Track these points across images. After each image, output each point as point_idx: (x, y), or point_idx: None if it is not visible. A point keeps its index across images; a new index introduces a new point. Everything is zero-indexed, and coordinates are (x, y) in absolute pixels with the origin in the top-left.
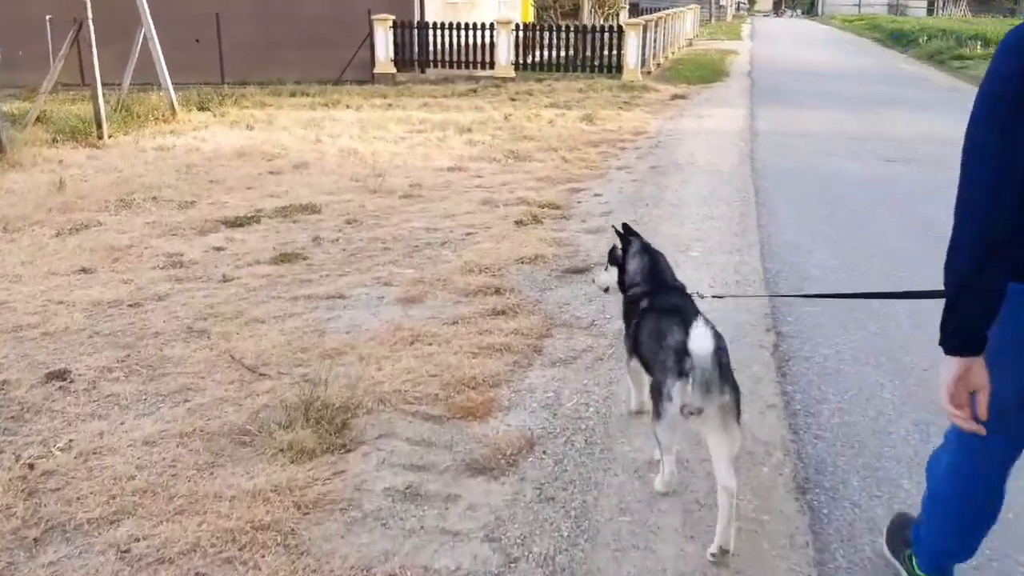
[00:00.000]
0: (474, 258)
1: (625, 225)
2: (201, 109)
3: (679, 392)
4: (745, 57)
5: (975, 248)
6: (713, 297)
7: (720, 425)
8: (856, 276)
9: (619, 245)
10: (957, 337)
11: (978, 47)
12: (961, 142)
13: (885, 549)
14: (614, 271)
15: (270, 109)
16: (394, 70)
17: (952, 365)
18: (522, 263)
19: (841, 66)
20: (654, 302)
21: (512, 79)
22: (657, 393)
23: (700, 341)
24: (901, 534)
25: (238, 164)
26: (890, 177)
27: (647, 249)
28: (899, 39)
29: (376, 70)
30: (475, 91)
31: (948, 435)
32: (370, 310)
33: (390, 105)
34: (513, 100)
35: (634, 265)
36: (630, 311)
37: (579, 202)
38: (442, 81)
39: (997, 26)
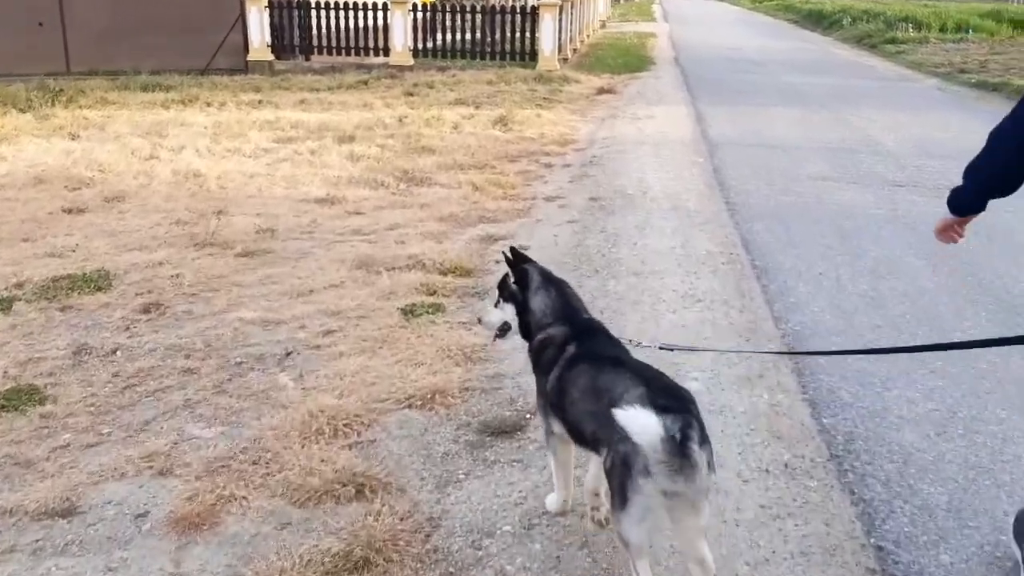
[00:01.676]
0: (329, 399)
1: (513, 250)
2: (23, 110)
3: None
4: (665, 41)
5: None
6: (660, 348)
7: (694, 503)
8: (992, 447)
9: (511, 276)
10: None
11: (909, 30)
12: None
13: (1012, 537)
14: (510, 308)
15: (112, 109)
16: (271, 57)
17: (943, 217)
18: (409, 407)
19: (770, 52)
20: (584, 348)
21: (410, 68)
22: (623, 471)
23: (637, 422)
24: None
25: (29, 197)
26: (914, 214)
27: (550, 279)
28: (819, 21)
29: (250, 57)
30: (366, 83)
31: None
32: (111, 556)
33: (260, 102)
34: (410, 95)
35: (540, 302)
36: (546, 360)
37: (498, 262)
38: (328, 71)
39: (918, 9)
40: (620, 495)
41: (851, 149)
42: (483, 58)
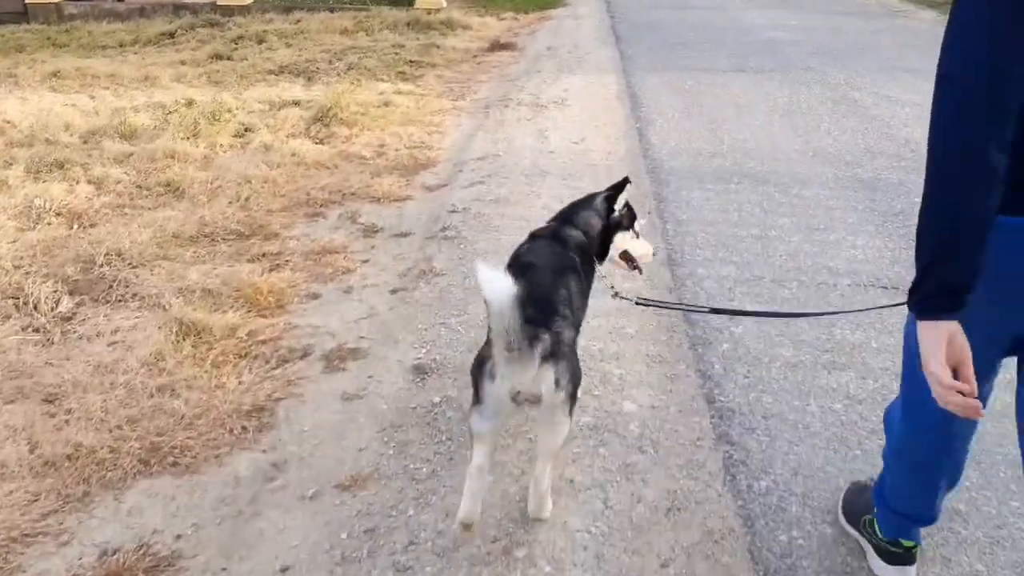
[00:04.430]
0: None
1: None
2: None
3: (497, 370)
4: None
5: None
6: (638, 303)
7: (542, 413)
8: None
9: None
10: (934, 295)
11: None
12: None
13: (842, 520)
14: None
15: None
16: None
17: (928, 336)
18: None
19: None
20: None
21: (246, 8)
22: (475, 366)
23: (492, 282)
24: (859, 501)
25: None
26: None
27: (575, 207)
28: None
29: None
30: (172, 36)
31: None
32: None
33: None
34: (219, 60)
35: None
36: None
37: None
38: (135, 15)
39: None
40: (473, 389)
41: (898, 182)
42: None
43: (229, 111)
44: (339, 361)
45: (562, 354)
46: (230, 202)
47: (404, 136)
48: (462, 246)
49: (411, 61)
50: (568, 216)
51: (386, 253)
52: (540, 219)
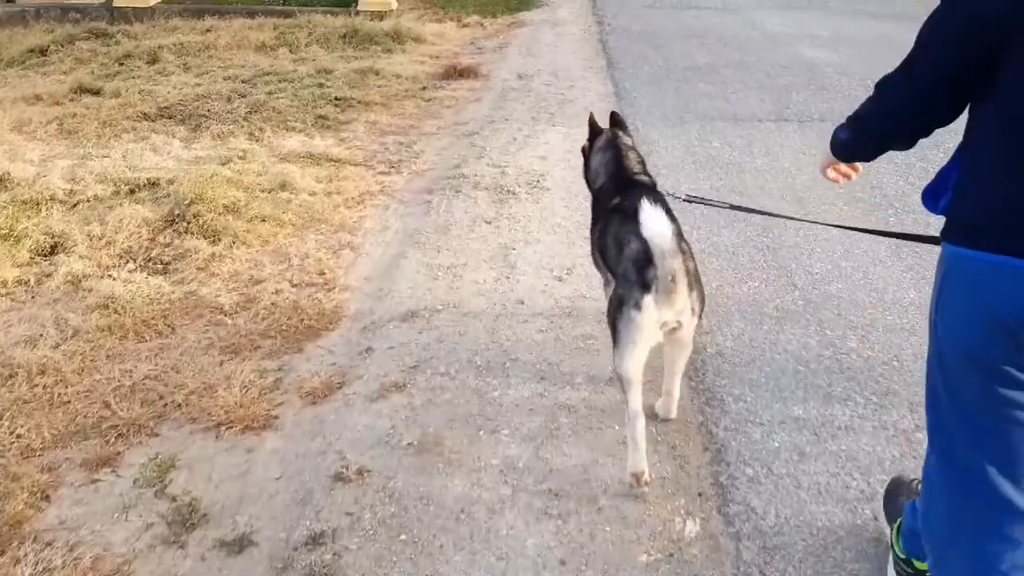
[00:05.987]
0: None
1: (591, 117)
2: None
3: (648, 304)
4: None
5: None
6: (686, 199)
7: (676, 329)
8: None
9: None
10: (845, 152)
11: None
12: None
13: (882, 513)
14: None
15: None
16: None
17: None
18: None
19: None
20: (624, 202)
21: (149, 10)
22: (616, 309)
23: (655, 222)
24: (895, 501)
25: None
26: None
27: (613, 143)
28: None
29: None
30: (44, 53)
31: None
32: None
33: None
34: (84, 94)
35: (597, 160)
36: (596, 209)
37: None
38: (17, 22)
39: None
40: (613, 331)
41: None
42: None
43: (49, 200)
44: None
45: (697, 281)
46: None
47: (296, 257)
48: None
49: (337, 101)
50: (637, 169)
51: None
52: (503, 507)
